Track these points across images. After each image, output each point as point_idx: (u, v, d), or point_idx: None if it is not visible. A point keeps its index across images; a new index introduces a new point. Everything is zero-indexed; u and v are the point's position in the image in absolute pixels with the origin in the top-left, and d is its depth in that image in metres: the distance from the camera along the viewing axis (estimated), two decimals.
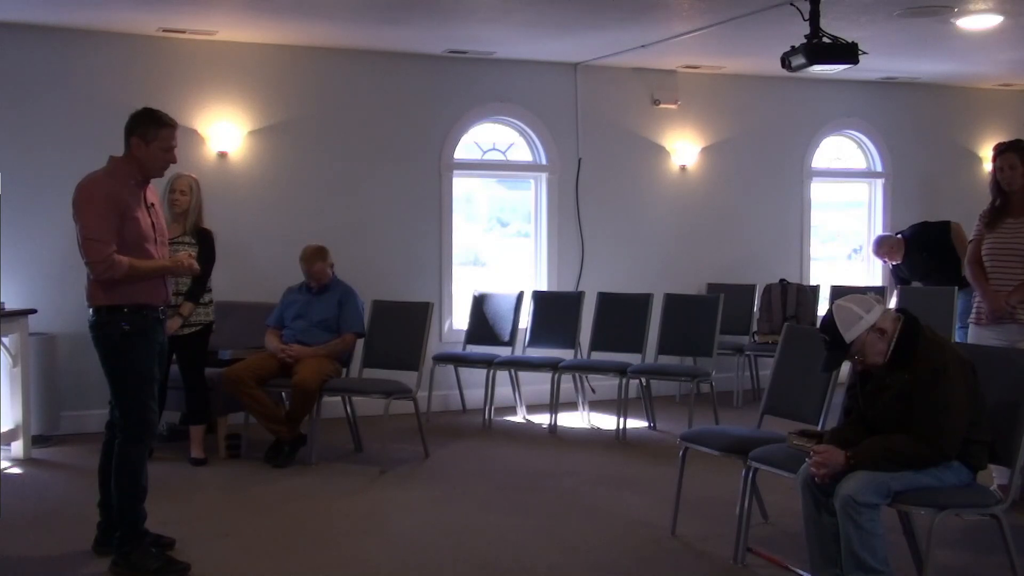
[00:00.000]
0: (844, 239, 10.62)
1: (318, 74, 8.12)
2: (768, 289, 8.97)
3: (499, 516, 5.43)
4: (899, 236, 8.75)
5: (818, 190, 9.99)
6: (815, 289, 9.07)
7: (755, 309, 8.98)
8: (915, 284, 8.80)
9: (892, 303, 8.25)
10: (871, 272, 10.17)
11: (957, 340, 7.18)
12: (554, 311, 8.20)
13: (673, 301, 7.97)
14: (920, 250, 8.59)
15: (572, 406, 8.14)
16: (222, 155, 7.82)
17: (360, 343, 7.04)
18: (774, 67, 6.87)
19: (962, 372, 3.86)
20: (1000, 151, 5.64)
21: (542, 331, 8.20)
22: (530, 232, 9.05)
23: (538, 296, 8.41)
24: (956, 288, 8.00)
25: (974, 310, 5.65)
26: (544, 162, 8.88)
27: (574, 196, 8.89)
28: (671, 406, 8.40)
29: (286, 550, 4.85)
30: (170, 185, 6.41)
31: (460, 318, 8.55)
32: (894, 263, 8.76)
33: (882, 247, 8.83)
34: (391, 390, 6.57)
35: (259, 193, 7.95)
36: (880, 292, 8.09)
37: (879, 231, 10.11)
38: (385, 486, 6.07)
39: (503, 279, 9.00)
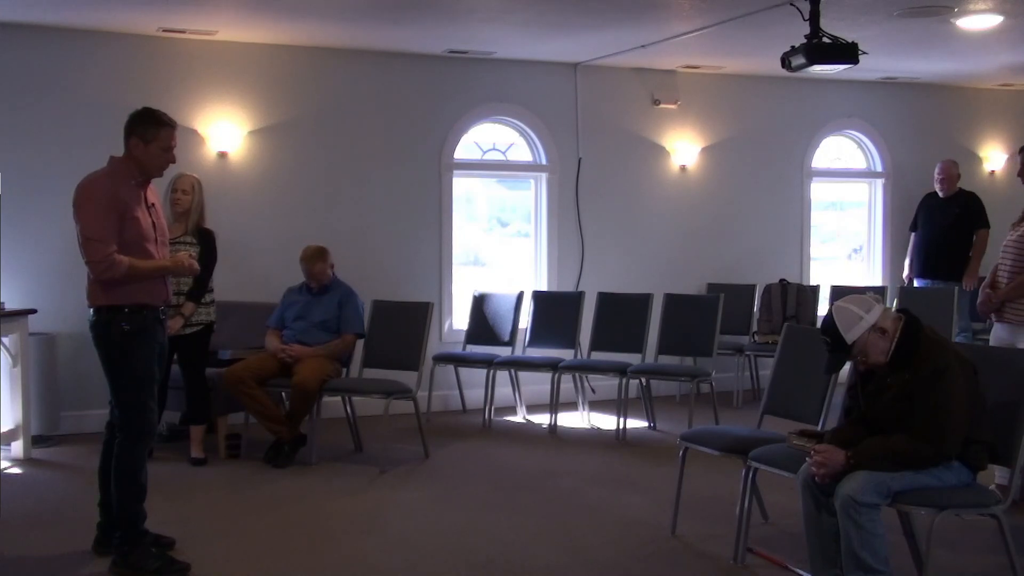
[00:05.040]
0: (844, 239, 10.62)
1: (318, 74, 8.12)
2: (768, 289, 8.97)
3: (499, 516, 5.43)
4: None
5: (818, 190, 9.99)
6: (815, 289, 9.07)
7: (755, 309, 8.98)
8: (914, 236, 8.87)
9: (893, 303, 8.26)
10: (871, 272, 10.17)
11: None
12: (554, 311, 8.20)
13: (673, 301, 7.97)
14: (958, 205, 8.62)
15: (572, 406, 8.14)
16: (222, 155, 7.82)
17: (360, 343, 7.04)
18: (774, 67, 6.87)
19: (963, 372, 3.85)
20: (1020, 150, 5.74)
21: (542, 331, 8.20)
22: (530, 232, 9.04)
23: (538, 296, 8.41)
24: (956, 287, 8.02)
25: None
26: (544, 162, 8.87)
27: (574, 196, 8.89)
28: (671, 406, 8.40)
29: (286, 550, 4.86)
30: (172, 185, 6.42)
31: (460, 318, 8.55)
32: (940, 191, 8.74)
33: (945, 168, 8.81)
34: (391, 390, 6.57)
35: (259, 193, 7.95)
36: (880, 292, 8.10)
37: (879, 231, 10.12)
38: (385, 486, 6.07)
39: (503, 279, 9.00)
